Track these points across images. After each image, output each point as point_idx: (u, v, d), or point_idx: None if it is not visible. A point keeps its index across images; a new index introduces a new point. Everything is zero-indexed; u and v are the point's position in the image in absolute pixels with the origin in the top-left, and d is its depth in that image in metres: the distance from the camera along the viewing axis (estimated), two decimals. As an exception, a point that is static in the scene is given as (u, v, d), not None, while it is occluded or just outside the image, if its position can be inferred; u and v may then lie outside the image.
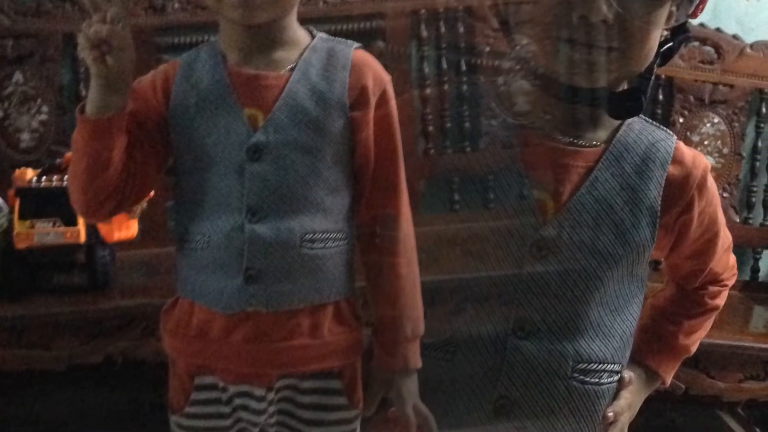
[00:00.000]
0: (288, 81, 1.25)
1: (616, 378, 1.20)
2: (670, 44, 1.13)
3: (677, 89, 2.40)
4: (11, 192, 1.98)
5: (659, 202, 1.14)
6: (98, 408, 2.36)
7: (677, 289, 1.29)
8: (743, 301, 2.30)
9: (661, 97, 2.41)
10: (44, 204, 1.93)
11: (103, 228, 1.97)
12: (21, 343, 1.94)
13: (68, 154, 1.54)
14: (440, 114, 2.06)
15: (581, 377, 1.15)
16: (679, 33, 1.14)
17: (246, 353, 1.27)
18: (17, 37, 2.35)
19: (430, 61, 2.48)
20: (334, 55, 1.27)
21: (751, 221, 2.46)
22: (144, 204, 1.77)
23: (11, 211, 1.96)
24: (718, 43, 2.38)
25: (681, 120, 2.40)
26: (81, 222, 1.94)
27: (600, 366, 1.16)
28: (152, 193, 1.39)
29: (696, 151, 1.20)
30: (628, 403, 1.22)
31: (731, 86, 2.40)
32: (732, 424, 2.34)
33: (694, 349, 1.30)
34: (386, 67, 1.32)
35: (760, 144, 2.45)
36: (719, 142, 2.42)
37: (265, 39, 1.25)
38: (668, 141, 1.17)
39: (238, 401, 1.31)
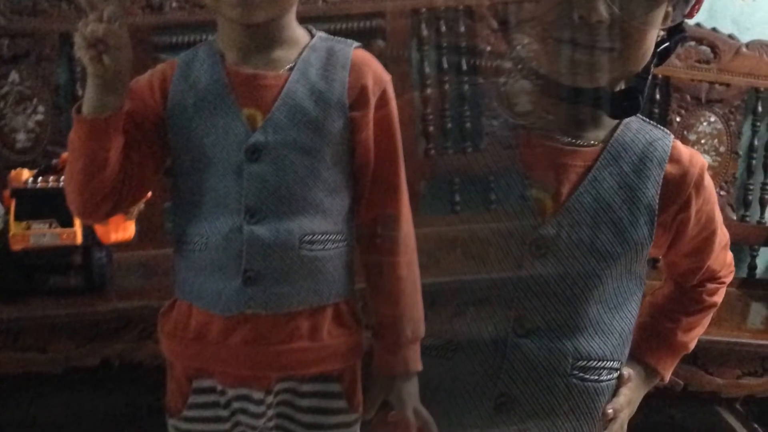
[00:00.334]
0: (287, 81, 1.25)
1: (615, 375, 1.21)
2: (667, 44, 1.15)
3: (674, 88, 2.44)
4: (7, 193, 1.98)
5: (657, 201, 1.16)
6: (95, 411, 2.36)
7: (675, 286, 1.31)
8: (741, 298, 2.33)
9: (658, 96, 2.44)
10: (40, 205, 1.93)
11: (99, 229, 1.96)
12: (17, 345, 1.94)
13: (64, 155, 1.54)
14: (441, 114, 2.06)
15: (581, 374, 1.17)
16: (676, 33, 1.16)
17: (245, 356, 1.27)
18: (13, 36, 2.35)
19: (431, 60, 2.48)
20: (333, 54, 1.27)
21: (748, 219, 2.49)
22: (141, 205, 1.77)
23: (7, 212, 1.96)
24: (714, 43, 2.42)
25: (678, 119, 2.44)
26: (77, 223, 1.94)
27: (599, 363, 1.18)
28: (149, 194, 1.39)
29: (693, 150, 1.22)
30: (627, 400, 1.24)
31: (727, 85, 2.43)
32: (730, 419, 2.38)
33: (692, 345, 1.32)
34: (386, 66, 1.31)
35: (756, 142, 2.48)
36: (716, 140, 2.45)
37: (263, 38, 1.25)
38: (665, 140, 1.18)
39: (236, 405, 1.31)
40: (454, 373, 1.20)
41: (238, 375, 1.29)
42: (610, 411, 1.21)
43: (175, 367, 1.33)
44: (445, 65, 2.47)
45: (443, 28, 2.47)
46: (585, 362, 1.17)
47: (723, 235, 1.26)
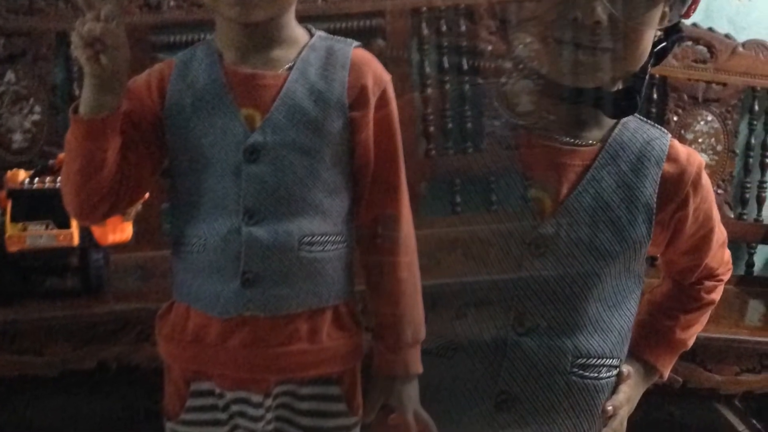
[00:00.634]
0: (286, 80, 1.25)
1: (614, 372, 1.23)
2: (664, 44, 1.17)
3: (671, 88, 2.47)
4: (3, 194, 1.98)
5: (655, 200, 1.18)
6: (92, 415, 2.36)
7: (674, 284, 1.32)
8: (739, 296, 2.36)
9: (655, 96, 2.48)
10: (37, 206, 1.93)
11: (96, 231, 1.96)
12: (13, 348, 1.94)
13: (61, 155, 1.53)
14: (442, 114, 2.06)
15: (580, 372, 1.19)
16: (673, 33, 1.18)
17: (243, 359, 1.27)
18: (9, 36, 2.35)
19: (431, 60, 2.48)
20: (333, 54, 1.27)
21: (745, 217, 2.53)
22: (139, 206, 1.77)
23: (3, 214, 1.96)
24: (710, 43, 2.45)
25: (675, 118, 2.48)
26: (74, 224, 1.93)
27: (599, 361, 1.20)
28: (147, 195, 1.39)
29: (690, 149, 1.23)
30: (626, 397, 1.26)
31: (724, 85, 2.47)
32: (729, 416, 2.43)
33: (691, 343, 1.34)
34: (386, 66, 1.31)
35: (753, 141, 2.52)
36: (713, 139, 2.49)
37: (262, 37, 1.25)
38: (663, 139, 1.20)
39: (235, 408, 1.31)
40: (454, 371, 1.22)
41: (236, 378, 1.29)
42: (609, 408, 1.23)
43: (172, 369, 1.33)
44: (446, 65, 2.47)
45: (444, 28, 2.47)
46: (585, 360, 1.19)
47: (720, 233, 1.28)
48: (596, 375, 1.20)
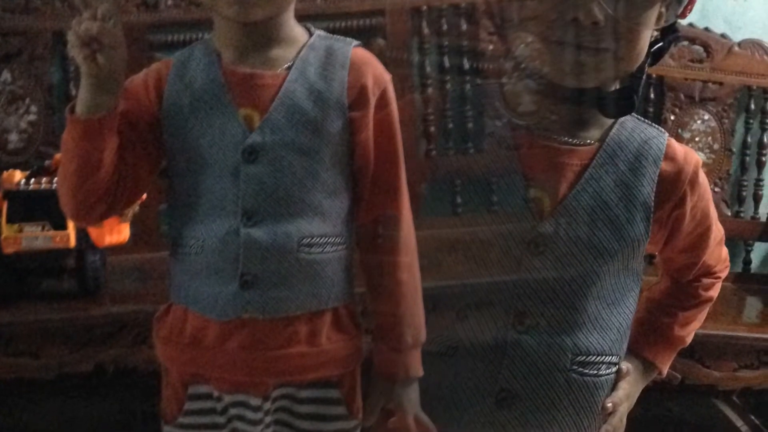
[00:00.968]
0: (285, 80, 1.25)
1: (614, 369, 1.25)
2: (661, 44, 1.19)
3: (668, 88, 2.51)
4: (-2, 195, 1.98)
5: (653, 198, 1.20)
6: (89, 418, 2.36)
7: (672, 282, 1.34)
8: (736, 293, 2.41)
9: (652, 95, 2.51)
10: (33, 207, 1.93)
11: (93, 232, 1.97)
12: (9, 350, 1.94)
13: (58, 156, 1.54)
14: (442, 114, 2.06)
15: (580, 369, 1.21)
16: (669, 33, 1.20)
17: (241, 361, 1.26)
18: (5, 35, 2.36)
19: (432, 59, 2.48)
20: (332, 53, 1.27)
21: (742, 214, 2.56)
22: (136, 207, 1.77)
23: (-1, 215, 1.96)
24: (706, 42, 2.48)
25: (672, 117, 2.51)
26: (71, 226, 1.93)
27: (598, 358, 1.22)
28: (144, 195, 1.39)
29: (687, 148, 1.25)
30: (626, 394, 1.28)
31: (720, 84, 2.51)
32: (727, 412, 2.49)
33: (689, 340, 1.36)
34: (386, 65, 1.31)
35: (749, 139, 2.55)
36: (710, 138, 2.53)
37: (261, 37, 1.25)
38: (660, 138, 1.22)
39: (233, 411, 1.31)
40: (455, 369, 1.23)
41: (234, 381, 1.29)
42: (609, 405, 1.25)
43: (170, 372, 1.33)
44: (447, 64, 2.47)
45: (444, 27, 2.47)
46: (584, 357, 1.21)
47: (718, 231, 1.30)
48: (596, 372, 1.22)
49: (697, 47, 2.48)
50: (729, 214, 2.54)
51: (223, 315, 1.25)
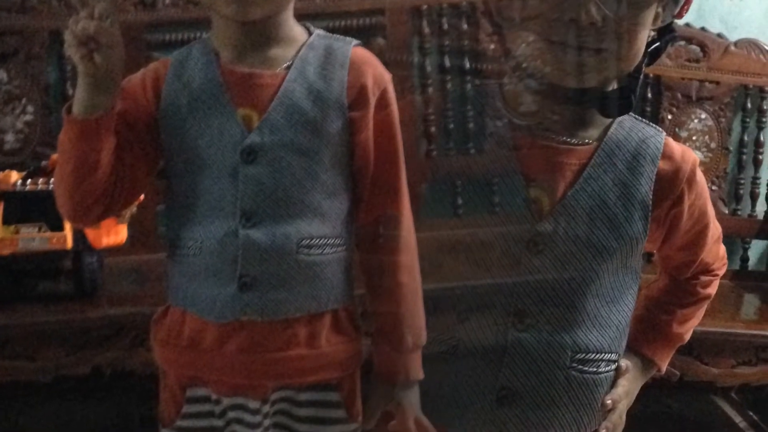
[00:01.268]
0: (284, 80, 1.25)
1: (613, 367, 1.28)
2: (658, 44, 1.21)
3: (665, 87, 2.54)
4: (-5, 196, 1.98)
5: (650, 197, 1.22)
6: (85, 421, 2.36)
7: (670, 279, 1.37)
8: (734, 290, 2.44)
9: (649, 95, 2.54)
10: (29, 208, 1.93)
11: (90, 233, 1.96)
12: (5, 353, 1.94)
13: (54, 156, 1.54)
14: (443, 115, 2.07)
15: (580, 367, 1.23)
16: (666, 33, 1.22)
17: (240, 364, 1.26)
18: (1, 34, 2.35)
19: (432, 59, 2.48)
20: (332, 52, 1.27)
21: (739, 212, 2.61)
22: (133, 208, 1.77)
23: (-5, 216, 1.96)
24: (703, 42, 2.52)
25: (669, 117, 2.55)
26: (68, 227, 1.93)
27: (597, 356, 1.24)
28: (142, 196, 1.39)
29: (685, 147, 1.28)
30: (625, 391, 1.30)
31: (717, 83, 2.55)
32: (726, 408, 2.54)
33: (687, 337, 1.39)
34: (386, 65, 1.31)
35: (746, 138, 2.59)
36: (707, 137, 2.57)
37: (260, 36, 1.25)
38: (658, 137, 1.24)
39: (231, 414, 1.31)
40: (456, 368, 1.25)
41: (233, 384, 1.29)
42: (608, 402, 1.27)
43: (168, 375, 1.33)
44: (447, 64, 2.47)
45: (445, 26, 2.47)
46: (583, 355, 1.23)
47: (715, 229, 1.32)
48: (595, 369, 1.24)
49: (693, 47, 2.52)
50: (726, 212, 2.58)
51: (222, 317, 1.25)
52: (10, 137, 2.37)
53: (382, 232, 1.31)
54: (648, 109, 2.53)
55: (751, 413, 2.50)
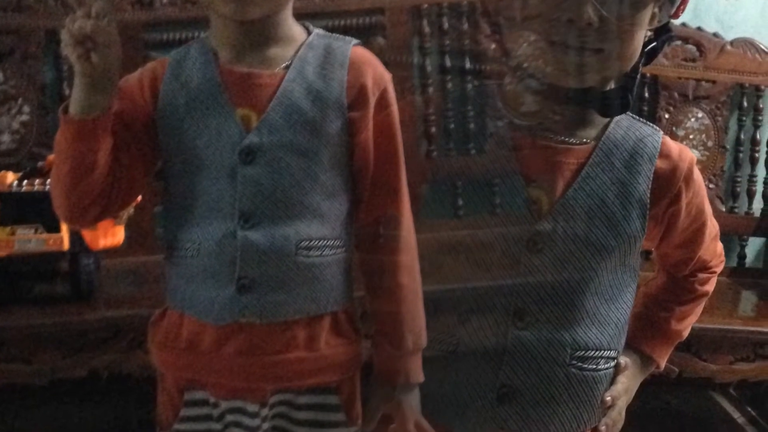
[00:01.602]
0: (283, 80, 1.25)
1: (612, 364, 1.30)
2: (654, 44, 1.24)
3: (662, 86, 2.58)
4: (-9, 197, 1.98)
5: (648, 195, 1.24)
6: (82, 424, 2.36)
7: (668, 277, 1.39)
8: (731, 287, 2.48)
9: (646, 94, 2.58)
10: (25, 209, 1.93)
11: (87, 235, 1.96)
12: (1, 356, 1.94)
13: (51, 157, 1.53)
14: (443, 115, 2.07)
15: (579, 364, 1.25)
16: (662, 33, 1.24)
17: (239, 367, 1.26)
18: (-3, 34, 2.36)
19: (433, 59, 2.48)
20: (331, 52, 1.27)
21: (736, 210, 2.64)
22: (131, 209, 1.77)
23: (-9, 217, 1.96)
24: (699, 42, 2.56)
25: (666, 116, 2.59)
26: (64, 228, 1.93)
27: (597, 353, 1.26)
28: (139, 197, 1.39)
29: (682, 145, 1.29)
30: (624, 388, 1.32)
31: (713, 82, 2.59)
32: (724, 404, 2.63)
33: (686, 333, 1.41)
34: (386, 65, 1.31)
35: (742, 136, 2.64)
36: (704, 135, 2.61)
37: (258, 35, 1.25)
38: (655, 136, 1.26)
39: (230, 417, 1.31)
40: (457, 366, 1.27)
41: (231, 387, 1.29)
42: (608, 398, 1.30)
43: (166, 378, 1.33)
44: (447, 64, 2.47)
45: (445, 26, 2.47)
46: (583, 352, 1.25)
47: (713, 227, 1.34)
48: (594, 367, 1.26)
49: (690, 46, 2.56)
50: (723, 209, 2.61)
51: (220, 319, 1.25)
52: (6, 138, 2.37)
53: (382, 232, 1.31)
54: (645, 108, 2.56)
55: (749, 409, 2.57)
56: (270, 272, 1.24)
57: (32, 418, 2.32)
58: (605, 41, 1.16)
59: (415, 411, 1.32)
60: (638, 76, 1.23)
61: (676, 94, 2.57)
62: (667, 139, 1.27)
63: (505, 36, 1.26)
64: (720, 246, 1.39)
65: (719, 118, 2.59)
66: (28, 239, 1.93)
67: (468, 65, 2.45)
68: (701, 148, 2.59)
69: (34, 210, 1.91)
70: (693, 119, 2.58)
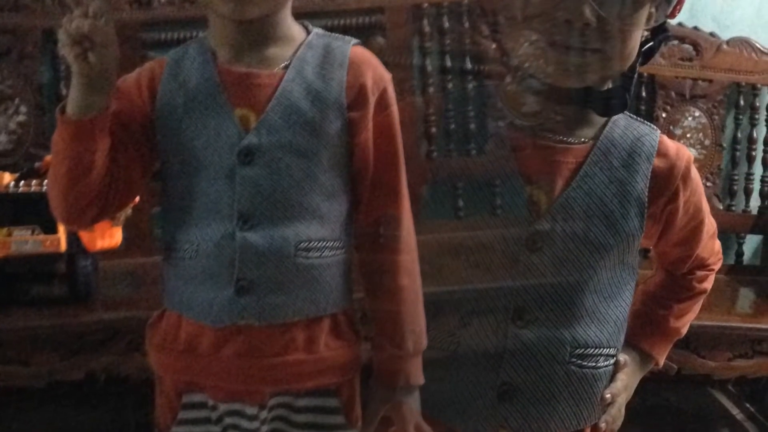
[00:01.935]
0: (282, 80, 1.24)
1: (612, 361, 1.32)
2: (651, 44, 1.26)
3: (659, 86, 2.60)
4: (-13, 198, 1.98)
5: (646, 194, 1.26)
6: (80, 427, 2.36)
7: (666, 275, 1.41)
8: (729, 284, 2.51)
9: (644, 93, 2.61)
10: (22, 210, 1.93)
11: (85, 236, 1.96)
12: (-3, 358, 1.94)
13: (48, 158, 1.54)
14: (443, 115, 2.07)
15: (579, 362, 1.27)
16: (659, 33, 1.26)
17: (237, 369, 1.26)
18: (-6, 33, 2.35)
19: (433, 59, 2.48)
20: (330, 52, 1.27)
21: (733, 208, 2.67)
22: (128, 210, 1.77)
23: (-13, 218, 1.95)
24: (696, 41, 2.59)
25: (664, 115, 2.61)
26: (61, 230, 1.93)
27: (596, 350, 1.28)
28: (137, 198, 1.39)
29: (679, 144, 1.31)
30: (624, 385, 1.34)
31: (710, 81, 2.61)
32: (723, 400, 2.67)
33: (684, 331, 1.43)
34: (386, 64, 1.31)
35: (739, 135, 2.67)
36: (701, 134, 2.63)
37: (257, 35, 1.25)
38: (652, 135, 1.28)
39: (228, 420, 1.31)
40: (457, 365, 1.29)
41: (230, 389, 1.28)
42: (608, 396, 1.32)
43: (164, 381, 1.33)
44: (448, 63, 2.47)
45: (446, 25, 2.47)
46: (582, 350, 1.27)
47: (710, 225, 1.36)
48: (594, 364, 1.28)
49: (686, 46, 2.58)
50: (721, 207, 2.64)
51: (218, 321, 1.25)
52: (2, 138, 2.37)
53: (382, 233, 1.31)
54: (642, 107, 2.59)
55: (747, 405, 2.60)
56: (269, 274, 1.24)
57: (30, 421, 2.32)
58: (603, 41, 1.17)
59: (415, 413, 1.32)
60: (635, 76, 1.25)
61: (673, 93, 2.59)
62: (665, 137, 1.29)
63: (506, 35, 1.27)
64: (718, 244, 1.40)
65: (716, 117, 2.61)
66: (24, 240, 1.93)
67: (468, 65, 2.46)
68: (698, 146, 2.61)
69: (31, 211, 1.91)
70: (690, 118, 2.61)
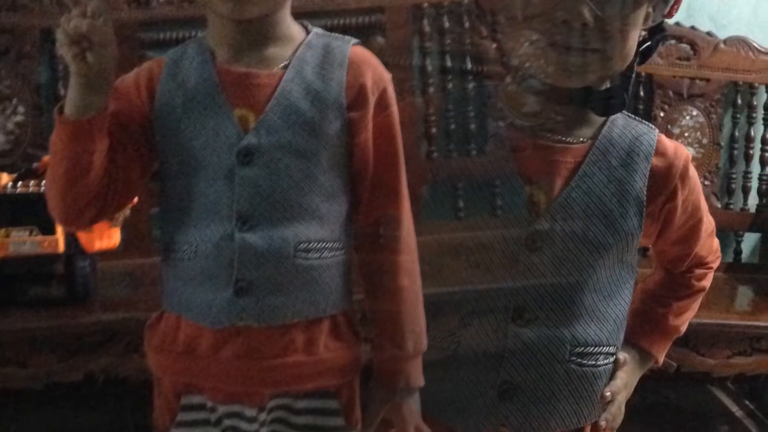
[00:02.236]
0: (281, 80, 1.24)
1: (611, 360, 1.33)
2: (649, 43, 1.26)
3: (657, 85, 2.62)
4: (-15, 198, 1.98)
5: (645, 193, 1.27)
6: (78, 429, 2.36)
7: (665, 273, 1.42)
8: (728, 282, 2.53)
9: (642, 93, 2.63)
10: (20, 211, 1.93)
11: (83, 237, 1.96)
12: (-5, 359, 1.94)
13: (46, 158, 1.53)
14: (443, 115, 2.07)
15: (579, 360, 1.28)
16: (657, 32, 1.27)
17: (236, 371, 1.26)
18: (-8, 33, 2.35)
19: (433, 58, 2.48)
20: (330, 51, 1.27)
21: (732, 206, 2.68)
22: (127, 211, 1.77)
23: (-15, 219, 1.95)
24: (693, 41, 2.61)
25: (662, 114, 2.62)
26: (59, 230, 1.93)
27: (596, 349, 1.29)
28: (136, 199, 1.39)
29: (677, 143, 1.33)
30: (624, 383, 1.35)
31: (707, 80, 2.63)
32: (722, 398, 2.69)
33: (683, 329, 1.44)
34: (386, 64, 1.31)
35: (736, 133, 2.67)
36: (698, 133, 2.65)
37: (256, 35, 1.25)
38: (651, 134, 1.29)
39: (227, 422, 1.31)
40: (458, 365, 1.29)
41: (229, 391, 1.28)
42: (608, 394, 1.32)
43: (162, 382, 1.33)
44: (448, 63, 2.47)
45: (446, 25, 2.47)
46: (582, 348, 1.28)
47: (709, 223, 1.37)
48: (594, 363, 1.30)
49: (684, 45, 2.60)
50: (719, 206, 2.65)
51: (217, 323, 1.25)
52: (0, 138, 2.36)
53: (382, 233, 1.31)
54: (640, 107, 2.60)
55: (747, 402, 2.62)
56: (268, 275, 1.23)
57: (28, 423, 2.31)
58: (602, 41, 1.18)
59: (415, 415, 1.32)
60: (633, 76, 1.26)
61: (670, 93, 2.61)
62: (663, 137, 1.30)
63: (506, 36, 1.29)
64: (716, 242, 1.42)
65: (714, 116, 2.63)
66: (22, 241, 1.93)
67: (468, 66, 2.46)
68: (696, 145, 2.63)
69: (29, 212, 1.91)
70: (688, 117, 2.62)
